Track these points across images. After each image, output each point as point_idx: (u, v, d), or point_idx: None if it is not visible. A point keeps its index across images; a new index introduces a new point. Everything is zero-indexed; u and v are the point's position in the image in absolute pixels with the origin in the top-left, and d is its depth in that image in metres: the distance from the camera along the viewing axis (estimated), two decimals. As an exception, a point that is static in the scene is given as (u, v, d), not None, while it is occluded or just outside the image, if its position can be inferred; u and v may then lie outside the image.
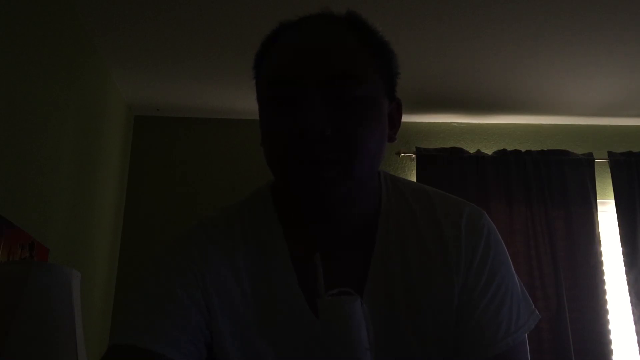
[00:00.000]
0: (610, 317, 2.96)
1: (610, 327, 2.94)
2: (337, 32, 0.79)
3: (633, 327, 2.97)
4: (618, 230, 3.11)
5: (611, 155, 3.24)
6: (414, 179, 3.19)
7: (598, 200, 3.16)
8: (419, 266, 0.81)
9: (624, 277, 3.03)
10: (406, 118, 3.84)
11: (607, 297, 2.99)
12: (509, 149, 3.24)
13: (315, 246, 0.78)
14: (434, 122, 3.42)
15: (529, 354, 0.83)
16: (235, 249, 0.83)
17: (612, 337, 2.93)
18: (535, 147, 3.27)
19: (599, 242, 3.08)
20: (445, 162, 3.19)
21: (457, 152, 3.22)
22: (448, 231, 0.83)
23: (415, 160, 3.23)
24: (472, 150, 3.26)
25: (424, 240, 0.83)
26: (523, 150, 3.24)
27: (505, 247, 0.86)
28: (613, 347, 2.92)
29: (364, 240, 0.83)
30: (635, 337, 2.95)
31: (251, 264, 0.82)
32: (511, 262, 0.86)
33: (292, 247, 0.82)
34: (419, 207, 0.86)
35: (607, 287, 3.01)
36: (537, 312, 0.84)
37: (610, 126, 3.42)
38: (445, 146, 3.27)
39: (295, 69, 0.76)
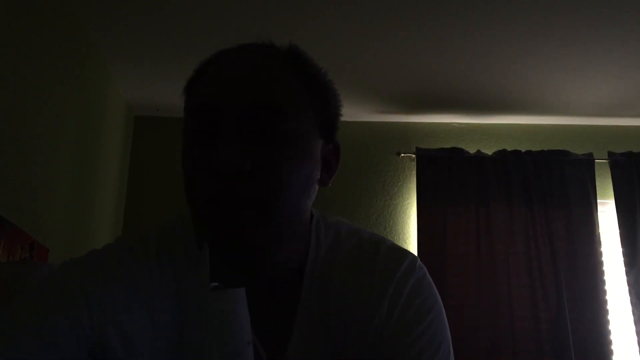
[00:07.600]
0: (610, 317, 2.96)
1: (610, 327, 2.94)
2: (268, 63, 0.72)
3: (633, 327, 2.97)
4: (618, 230, 3.11)
5: (611, 156, 3.23)
6: (414, 179, 3.20)
7: (598, 201, 3.16)
8: (345, 314, 0.74)
9: (624, 277, 3.02)
10: (406, 118, 3.82)
11: (607, 297, 2.99)
12: (509, 149, 3.24)
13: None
14: (434, 122, 3.41)
15: None
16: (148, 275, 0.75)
17: (612, 337, 2.93)
18: (535, 147, 3.26)
19: (599, 242, 3.07)
20: (445, 162, 3.19)
21: (457, 152, 3.22)
22: (378, 282, 0.74)
23: (415, 160, 3.22)
24: (472, 151, 3.26)
25: (352, 287, 0.75)
26: (523, 150, 3.24)
27: (439, 307, 0.77)
28: (613, 347, 2.92)
29: (289, 289, 0.75)
30: (635, 337, 2.95)
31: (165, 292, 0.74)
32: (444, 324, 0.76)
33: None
34: (351, 254, 0.78)
35: (607, 287, 3.01)
36: None
37: (610, 126, 3.41)
38: (445, 146, 3.26)
39: (214, 98, 0.69)
